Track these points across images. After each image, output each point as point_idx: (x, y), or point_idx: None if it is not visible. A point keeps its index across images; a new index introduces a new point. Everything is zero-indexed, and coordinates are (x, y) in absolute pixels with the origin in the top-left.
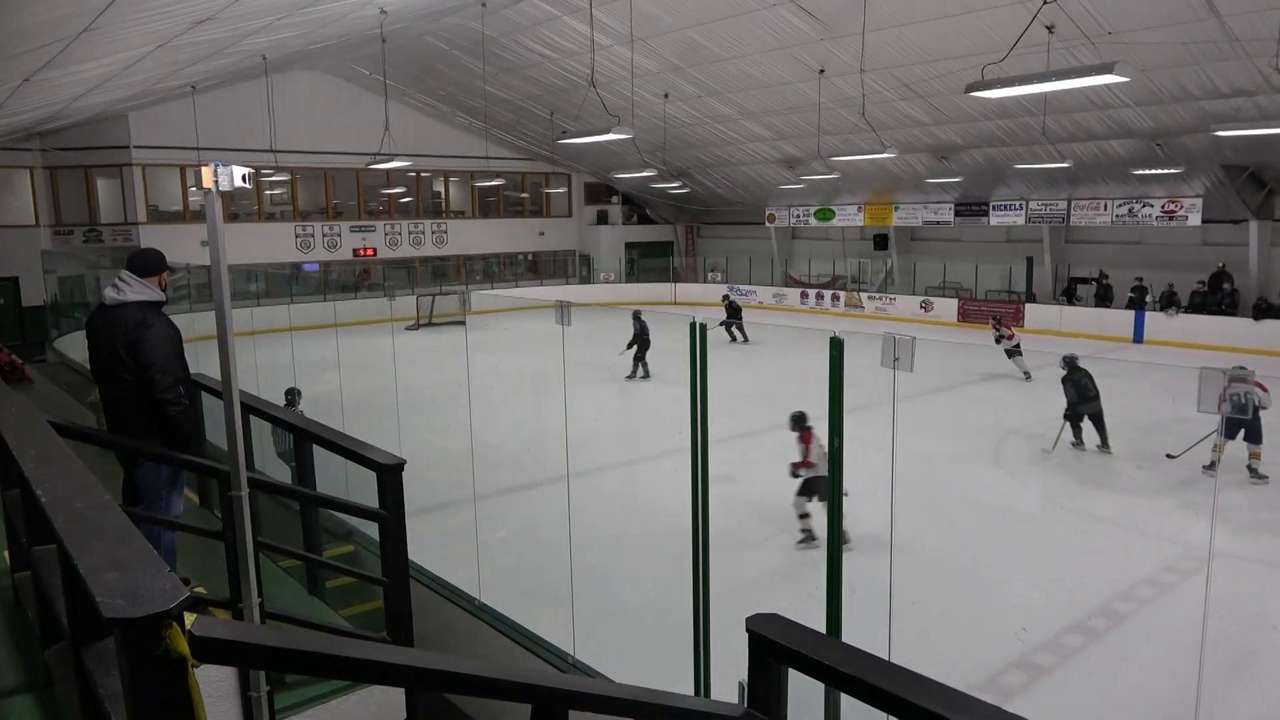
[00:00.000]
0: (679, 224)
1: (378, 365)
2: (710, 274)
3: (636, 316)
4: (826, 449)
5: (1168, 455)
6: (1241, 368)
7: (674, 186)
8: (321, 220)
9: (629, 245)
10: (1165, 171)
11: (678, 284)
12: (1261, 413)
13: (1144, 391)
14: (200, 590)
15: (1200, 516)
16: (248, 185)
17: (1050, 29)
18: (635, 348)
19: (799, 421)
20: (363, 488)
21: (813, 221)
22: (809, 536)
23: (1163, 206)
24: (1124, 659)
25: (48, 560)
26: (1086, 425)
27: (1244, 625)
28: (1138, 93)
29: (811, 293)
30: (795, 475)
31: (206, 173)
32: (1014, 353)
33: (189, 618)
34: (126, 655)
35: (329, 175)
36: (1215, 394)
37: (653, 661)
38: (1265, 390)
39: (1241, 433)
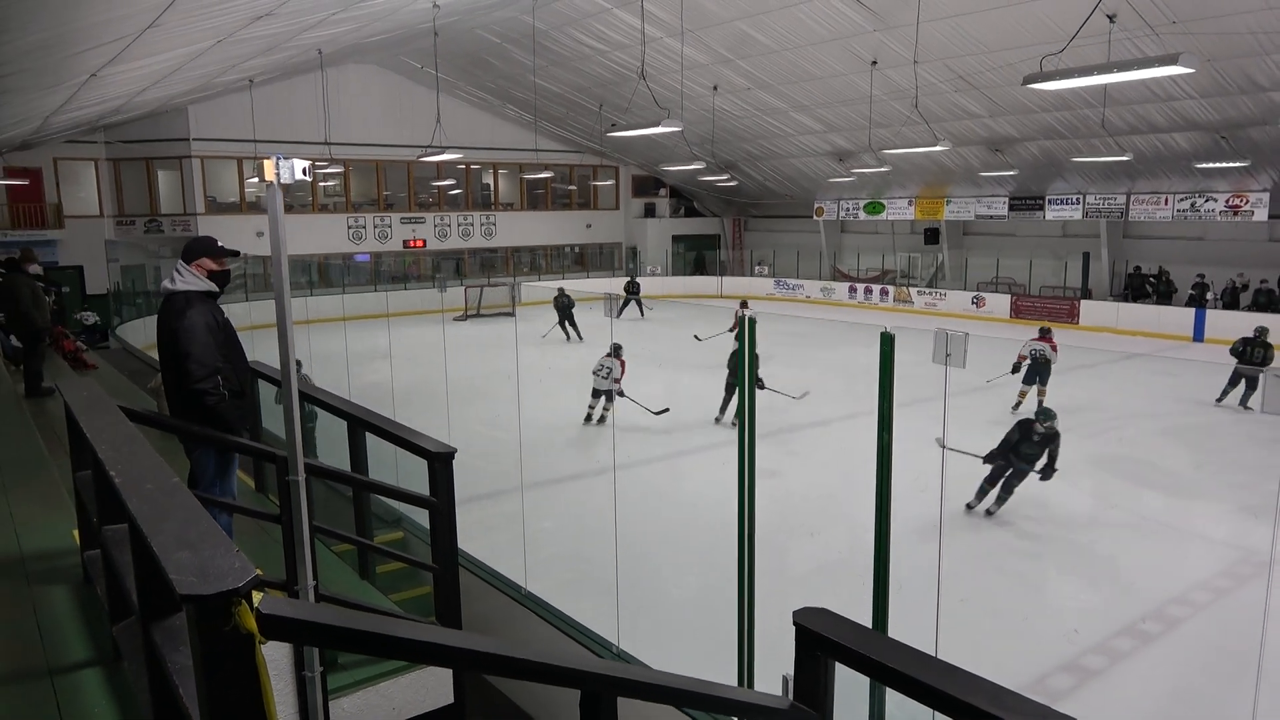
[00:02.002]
0: (726, 217)
1: (428, 355)
2: (757, 267)
3: (560, 293)
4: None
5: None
6: (1046, 329)
7: (722, 179)
8: (373, 212)
9: (675, 238)
10: (1230, 165)
11: (724, 277)
12: (1051, 365)
13: (1200, 391)
14: (259, 572)
15: (1260, 520)
16: (308, 178)
17: (1111, 18)
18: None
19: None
20: (410, 476)
21: (862, 215)
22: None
23: (1227, 201)
24: (1176, 665)
25: (118, 540)
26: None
27: None
28: (1202, 84)
29: (860, 287)
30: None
31: (269, 166)
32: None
33: (256, 596)
34: (198, 631)
35: (380, 167)
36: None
37: (694, 653)
38: (1056, 349)
39: (1037, 379)
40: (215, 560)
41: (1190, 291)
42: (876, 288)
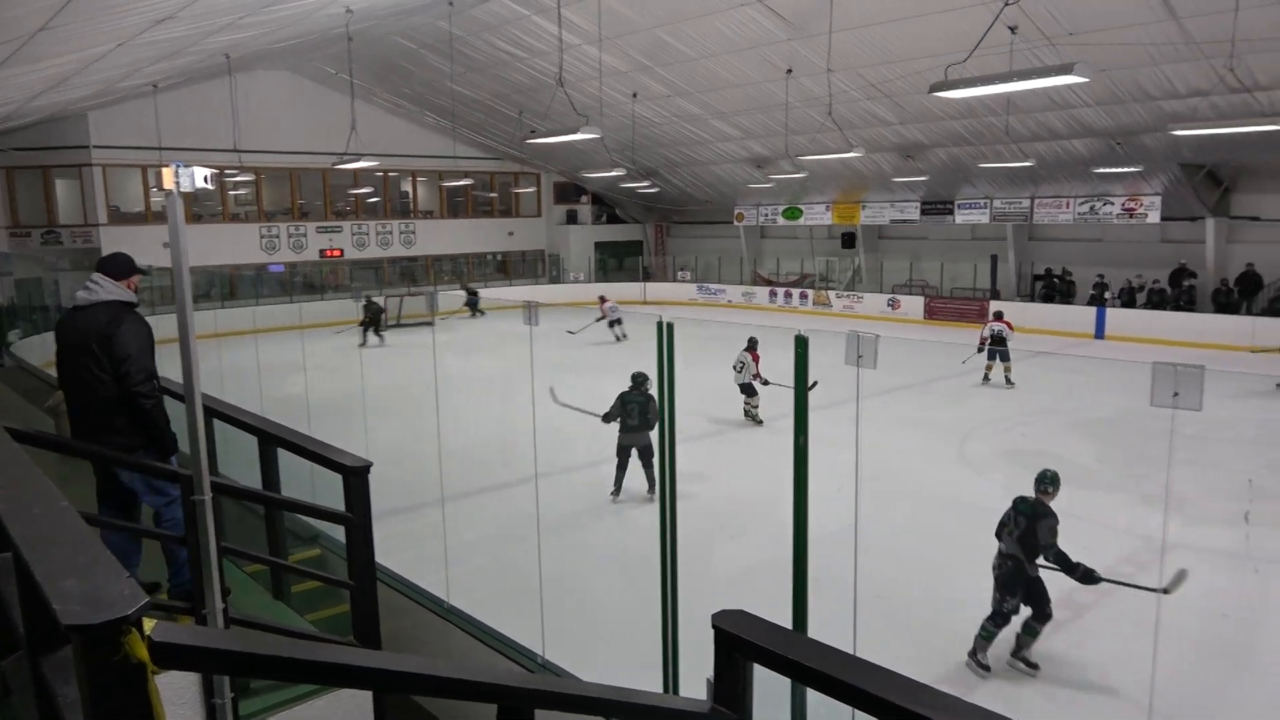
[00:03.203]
0: (648, 223)
1: (345, 367)
2: (680, 273)
3: (368, 300)
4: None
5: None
6: (999, 312)
7: (643, 186)
8: (287, 221)
9: (598, 245)
10: (1125, 170)
11: (648, 283)
12: (1009, 341)
13: (1103, 386)
14: (164, 597)
15: (1155, 509)
16: (210, 186)
17: (1013, 30)
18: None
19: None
20: (327, 491)
21: (781, 220)
22: None
23: (1123, 204)
24: (1084, 649)
25: (3, 569)
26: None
27: (1198, 614)
28: (1098, 93)
29: (780, 291)
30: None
31: (167, 174)
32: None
33: (148, 623)
34: (85, 662)
35: (294, 175)
36: (1168, 388)
37: (623, 660)
38: (1011, 327)
39: (998, 355)
40: (104, 587)
41: (1091, 291)
42: (796, 291)
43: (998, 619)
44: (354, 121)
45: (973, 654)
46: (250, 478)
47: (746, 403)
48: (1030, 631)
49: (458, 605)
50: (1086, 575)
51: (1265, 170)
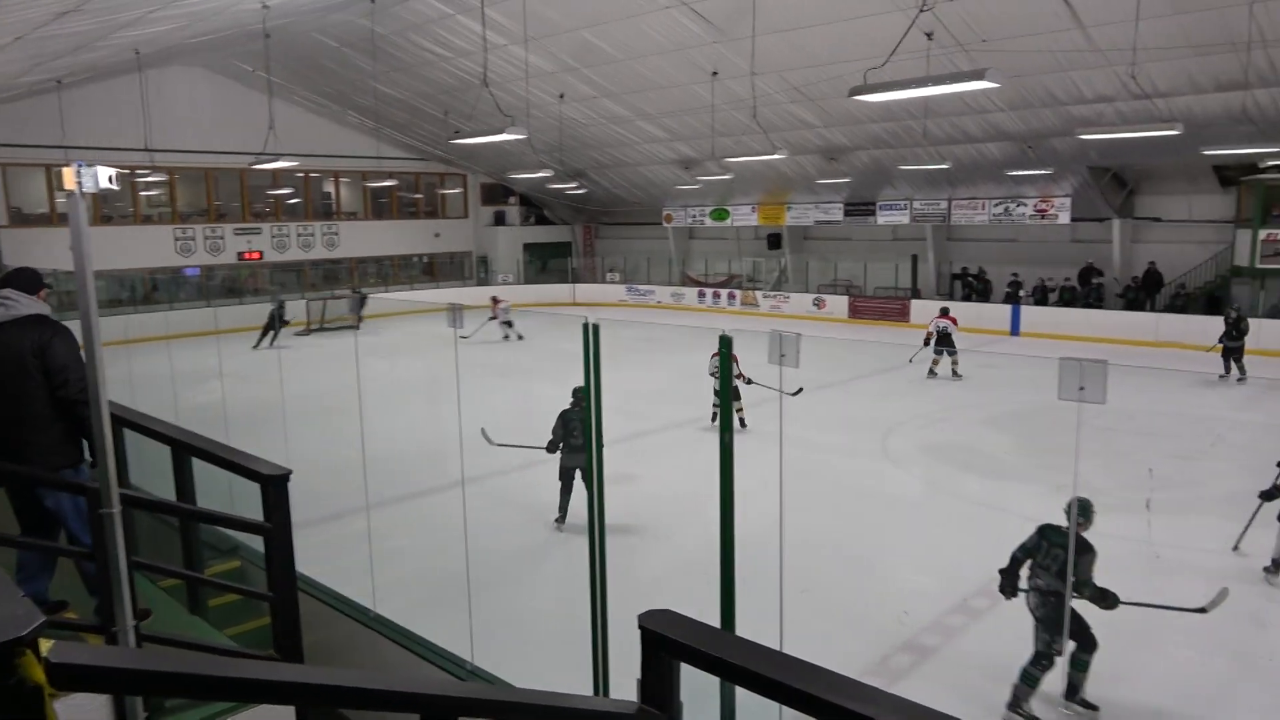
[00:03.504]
0: (577, 224)
1: (264, 373)
2: (609, 274)
3: (279, 304)
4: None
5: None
6: (945, 309)
7: (571, 187)
8: (203, 223)
9: (527, 246)
10: (1036, 172)
11: (576, 284)
12: (954, 336)
13: (1018, 381)
14: (72, 615)
15: (1066, 497)
16: (115, 187)
17: (930, 36)
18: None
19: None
20: (246, 501)
21: (708, 221)
22: None
23: (1035, 206)
24: (1001, 635)
25: None
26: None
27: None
28: (1010, 98)
29: (708, 291)
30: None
31: (68, 173)
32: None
33: (45, 644)
34: None
35: (210, 176)
36: (1074, 382)
37: (554, 664)
38: (956, 324)
39: (945, 350)
40: None
41: (1006, 289)
42: (724, 292)
43: (1044, 662)
44: (272, 120)
45: (1015, 706)
46: (165, 489)
47: (734, 406)
48: (1081, 666)
49: (384, 614)
50: (1115, 602)
51: (1166, 173)
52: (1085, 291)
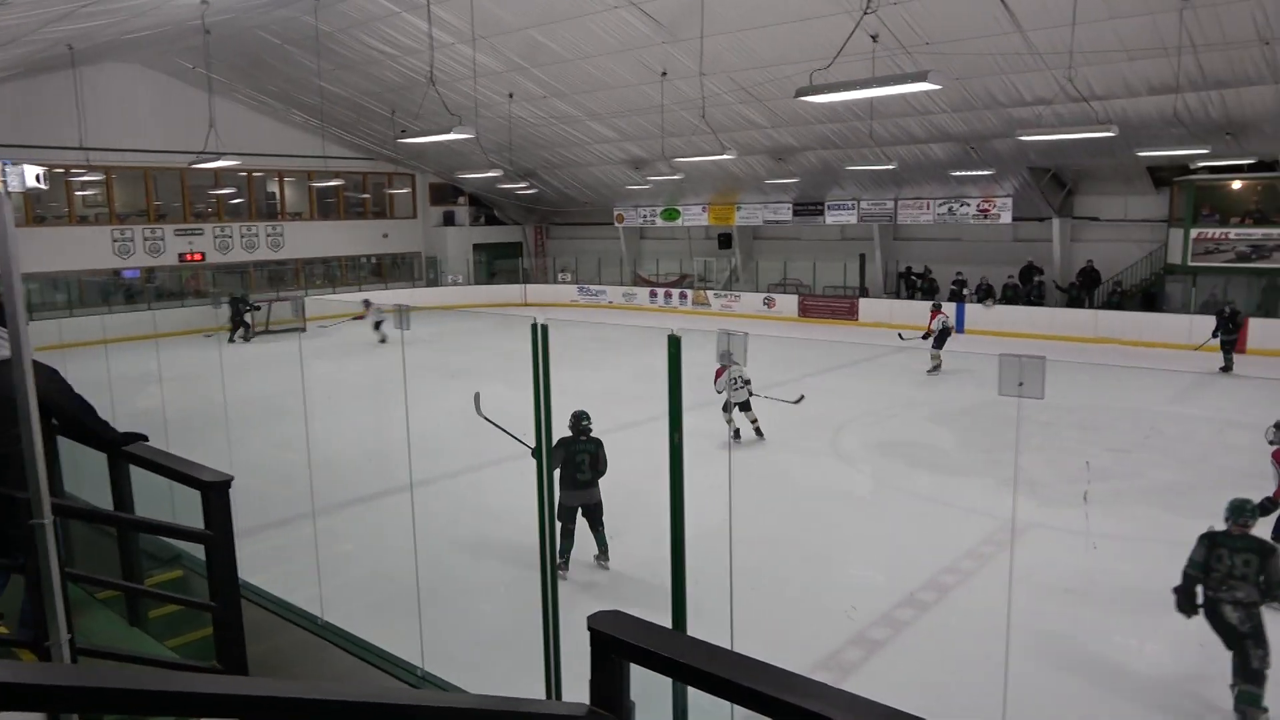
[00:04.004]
0: (528, 225)
1: (206, 377)
2: (560, 274)
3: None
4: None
5: (899, 335)
6: (936, 304)
7: (521, 187)
8: (142, 223)
9: (477, 247)
10: (979, 173)
11: (528, 285)
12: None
13: (964, 378)
14: (3, 630)
15: (1009, 491)
16: (43, 186)
17: (875, 38)
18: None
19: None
20: (188, 509)
21: (659, 221)
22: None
23: (978, 205)
24: (948, 628)
25: None
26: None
27: (1049, 589)
28: (952, 99)
29: (660, 291)
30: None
31: None
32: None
33: None
34: None
35: (149, 175)
36: (1014, 378)
37: (507, 667)
38: (944, 313)
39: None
40: None
41: (951, 287)
42: (676, 292)
43: (1259, 678)
44: (212, 119)
45: None
46: (103, 498)
47: (749, 418)
48: (1261, 681)
49: (333, 621)
50: None
51: (1102, 174)
52: (1027, 290)
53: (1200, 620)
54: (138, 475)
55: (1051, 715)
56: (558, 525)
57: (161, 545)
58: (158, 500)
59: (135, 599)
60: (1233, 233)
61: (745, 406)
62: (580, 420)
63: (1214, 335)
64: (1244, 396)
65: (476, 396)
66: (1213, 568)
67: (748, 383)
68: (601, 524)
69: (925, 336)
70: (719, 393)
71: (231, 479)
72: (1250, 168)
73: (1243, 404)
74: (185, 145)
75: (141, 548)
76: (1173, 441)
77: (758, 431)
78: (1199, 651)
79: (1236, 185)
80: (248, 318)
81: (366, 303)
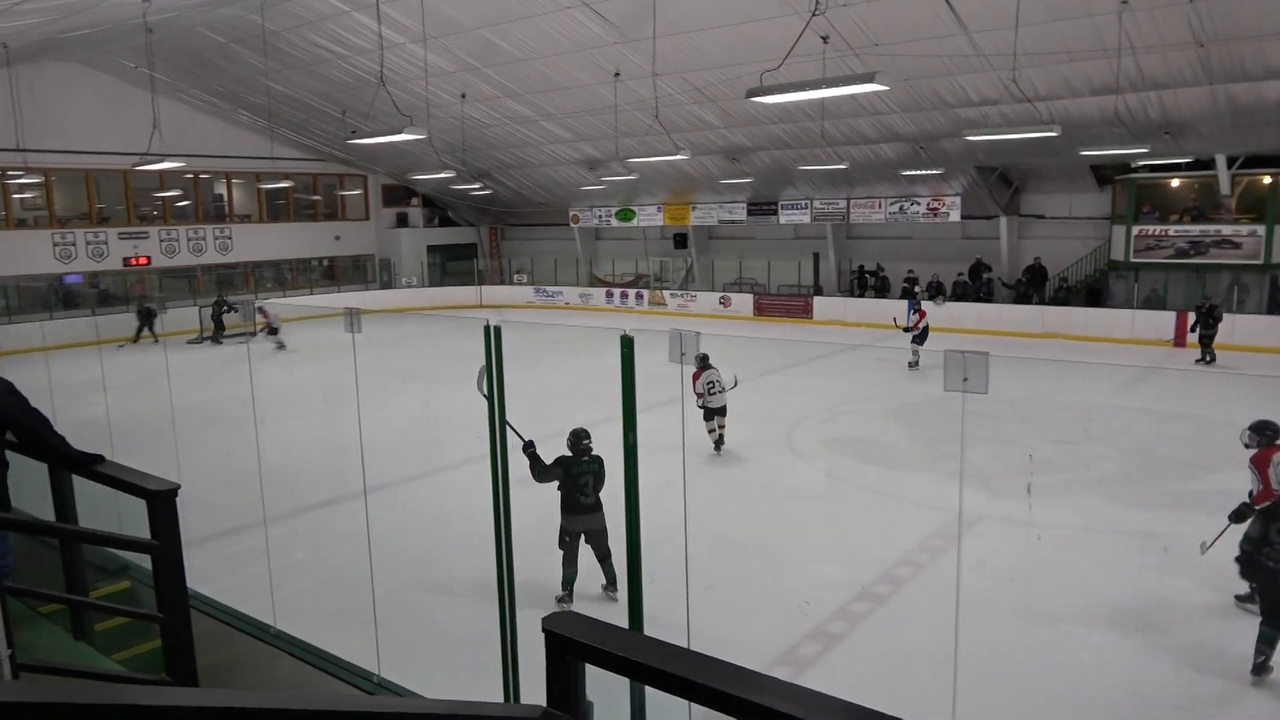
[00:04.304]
0: (482, 226)
1: (151, 384)
2: (516, 276)
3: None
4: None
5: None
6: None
7: (475, 188)
8: (84, 227)
9: (431, 248)
10: (929, 172)
11: (483, 287)
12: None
13: (915, 374)
14: None
15: (963, 486)
16: None
17: (825, 39)
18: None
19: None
20: (136, 519)
21: (614, 222)
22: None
23: (928, 204)
24: (903, 620)
25: None
26: None
27: (994, 579)
28: (902, 100)
29: (616, 292)
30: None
31: None
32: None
33: None
34: None
35: (91, 177)
36: (958, 374)
37: (465, 671)
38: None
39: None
40: None
41: (903, 285)
42: (632, 292)
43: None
44: (156, 119)
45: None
46: (44, 509)
47: (720, 427)
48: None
49: (285, 629)
50: None
51: (1047, 173)
52: (976, 287)
53: (1144, 606)
54: (81, 485)
55: (1002, 702)
56: (559, 552)
57: (108, 556)
58: (103, 510)
59: (80, 612)
60: (1172, 229)
61: (722, 411)
62: (580, 439)
63: (1192, 330)
64: (1183, 389)
65: (480, 374)
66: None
67: (732, 387)
68: (608, 551)
69: (907, 330)
70: (697, 394)
71: (178, 487)
72: (1188, 166)
73: (1181, 397)
74: (128, 146)
75: (86, 559)
76: (1115, 434)
77: (719, 442)
78: (1141, 638)
79: (1175, 183)
80: (226, 319)
81: (261, 310)
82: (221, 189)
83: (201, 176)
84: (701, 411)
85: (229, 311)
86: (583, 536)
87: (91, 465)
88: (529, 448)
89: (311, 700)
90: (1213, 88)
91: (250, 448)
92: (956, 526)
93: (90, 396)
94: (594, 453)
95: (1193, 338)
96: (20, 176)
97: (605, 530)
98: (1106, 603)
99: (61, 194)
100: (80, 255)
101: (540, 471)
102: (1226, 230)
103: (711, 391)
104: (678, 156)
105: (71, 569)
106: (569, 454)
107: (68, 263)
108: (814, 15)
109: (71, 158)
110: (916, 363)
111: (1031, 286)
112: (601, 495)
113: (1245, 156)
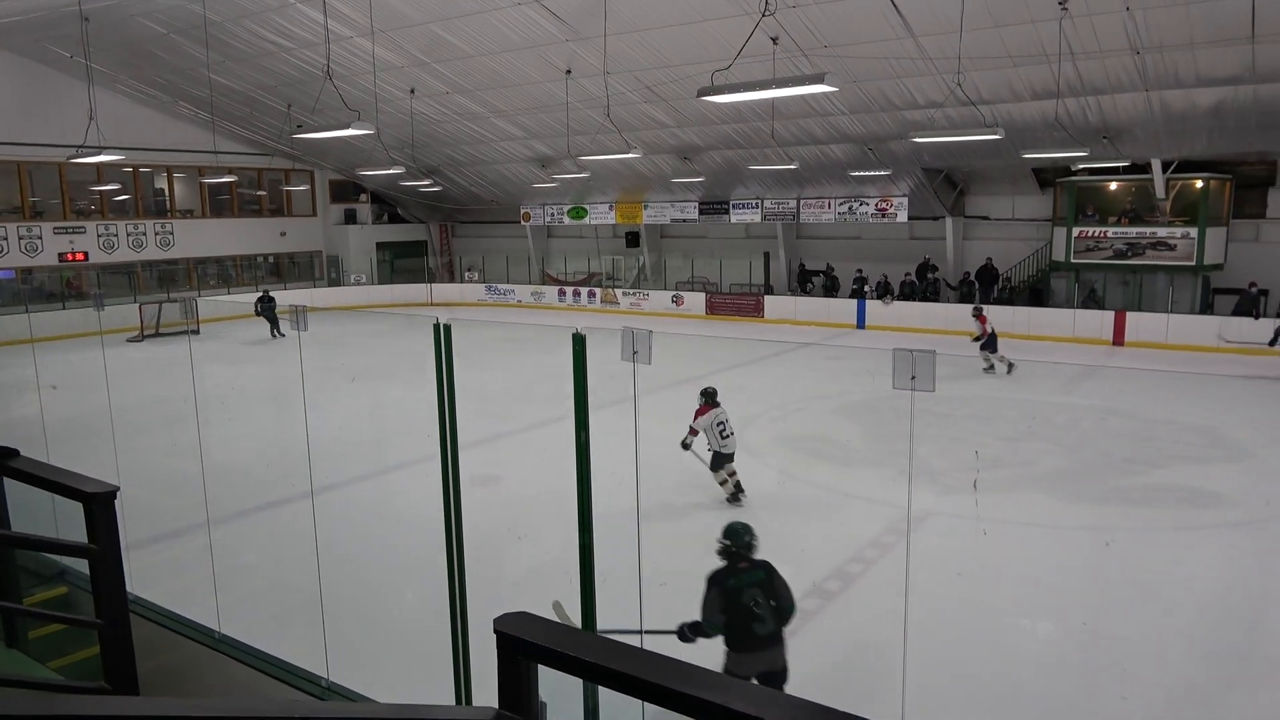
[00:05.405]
0: (432, 223)
1: (90, 383)
2: (467, 273)
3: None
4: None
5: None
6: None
7: (425, 185)
8: (16, 221)
9: (380, 245)
10: (877, 173)
11: (433, 284)
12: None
13: (865, 372)
14: None
15: (912, 483)
16: None
17: (775, 40)
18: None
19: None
20: (73, 521)
21: (567, 220)
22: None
23: (876, 205)
24: (853, 616)
25: None
26: None
27: (942, 574)
28: (850, 101)
29: (569, 290)
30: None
31: None
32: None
33: None
34: None
35: (23, 169)
36: (907, 372)
37: (416, 674)
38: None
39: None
40: None
41: (853, 285)
42: (584, 290)
43: None
44: (93, 110)
45: None
46: None
47: (732, 475)
48: None
49: (231, 634)
50: None
51: (992, 175)
52: (923, 286)
53: (1087, 601)
54: (14, 487)
55: (950, 696)
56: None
57: (43, 562)
58: (38, 514)
59: (13, 619)
60: (1110, 231)
61: (731, 457)
62: (742, 535)
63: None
64: (1122, 386)
65: (556, 607)
66: None
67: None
68: None
69: (976, 340)
70: (692, 430)
71: (117, 489)
72: (1125, 170)
73: (1121, 394)
74: (63, 139)
75: (20, 565)
76: (1059, 430)
77: (738, 490)
78: (1083, 629)
79: (1113, 186)
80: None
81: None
82: (163, 183)
83: (141, 170)
84: (710, 456)
85: (271, 303)
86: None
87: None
88: (685, 635)
89: (259, 707)
90: (1148, 94)
91: (192, 448)
92: (905, 522)
93: (24, 395)
94: (757, 556)
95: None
96: None
97: (787, 670)
98: (1051, 596)
99: None
100: (13, 250)
101: (709, 625)
102: (1161, 232)
103: (723, 434)
104: (630, 155)
105: (5, 574)
106: (721, 565)
107: None
108: (764, 16)
109: (3, 149)
110: (991, 367)
111: (984, 286)
112: (555, 489)
113: (1179, 161)
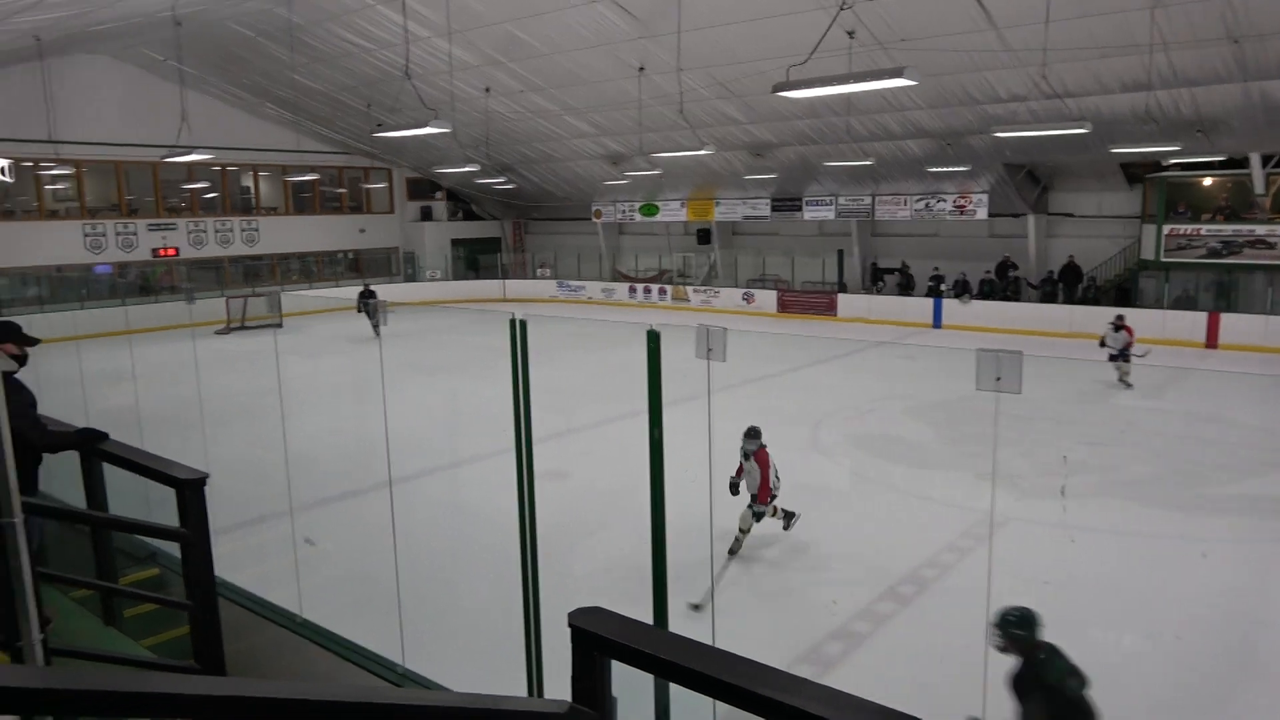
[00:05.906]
0: (506, 220)
1: (181, 374)
2: (539, 270)
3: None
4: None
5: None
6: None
7: (499, 182)
8: (115, 218)
9: (455, 242)
10: (955, 169)
11: (507, 281)
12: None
13: (941, 372)
14: None
15: (989, 485)
16: (8, 179)
17: (851, 34)
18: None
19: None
20: (164, 507)
21: (638, 217)
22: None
23: (954, 202)
24: (929, 621)
25: None
26: None
27: (1026, 583)
28: (928, 96)
29: (639, 287)
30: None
31: None
32: (1120, 357)
33: None
34: None
35: (121, 169)
36: (991, 373)
37: (489, 664)
38: (1131, 333)
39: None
40: None
41: (929, 283)
42: (655, 287)
43: None
44: (185, 112)
45: None
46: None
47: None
48: None
49: (311, 619)
50: None
51: (1076, 170)
52: (1003, 285)
53: (1178, 613)
54: (111, 473)
55: None
56: None
57: (137, 544)
58: (133, 498)
59: (110, 598)
60: (1204, 229)
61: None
62: (1031, 620)
63: None
64: (1214, 391)
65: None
66: None
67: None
68: None
69: (1121, 353)
70: (735, 493)
71: (207, 476)
72: (1220, 165)
73: (1213, 399)
74: (156, 139)
75: (116, 546)
76: (1146, 435)
77: (788, 516)
78: (1176, 644)
79: (1207, 182)
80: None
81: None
82: (248, 181)
83: (229, 169)
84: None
85: (373, 299)
86: None
87: (95, 442)
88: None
89: (341, 692)
90: (1246, 85)
91: (276, 438)
92: (982, 527)
93: (121, 385)
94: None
95: None
96: (52, 168)
97: None
98: (1140, 608)
99: (92, 185)
100: (110, 246)
101: None
102: (1260, 230)
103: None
104: (702, 152)
105: (102, 556)
106: (1021, 665)
107: (98, 253)
108: (841, 9)
109: (102, 149)
110: (1130, 384)
111: (1067, 286)
112: (627, 485)
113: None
